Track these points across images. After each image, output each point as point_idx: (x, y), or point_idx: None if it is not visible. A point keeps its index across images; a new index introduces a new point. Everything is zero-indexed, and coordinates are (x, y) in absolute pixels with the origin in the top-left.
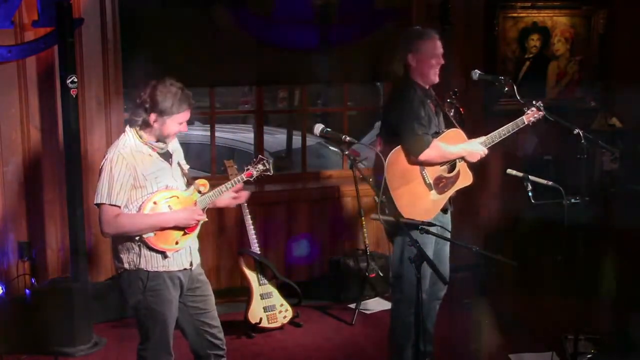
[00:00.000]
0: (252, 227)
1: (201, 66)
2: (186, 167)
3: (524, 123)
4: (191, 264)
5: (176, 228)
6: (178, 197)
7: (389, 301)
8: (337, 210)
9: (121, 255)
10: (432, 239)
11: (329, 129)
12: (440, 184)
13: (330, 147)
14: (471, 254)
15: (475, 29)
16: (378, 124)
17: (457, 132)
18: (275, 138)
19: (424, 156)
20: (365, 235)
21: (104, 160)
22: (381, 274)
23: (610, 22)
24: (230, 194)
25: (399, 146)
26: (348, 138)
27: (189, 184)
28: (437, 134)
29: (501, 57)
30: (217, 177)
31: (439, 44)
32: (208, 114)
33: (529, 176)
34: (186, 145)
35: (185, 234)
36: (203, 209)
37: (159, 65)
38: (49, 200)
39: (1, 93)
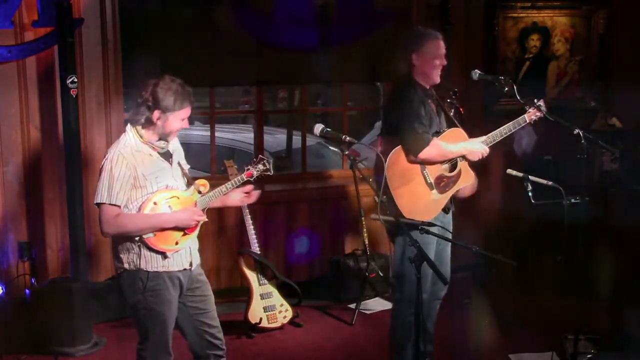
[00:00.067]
0: (252, 227)
1: (201, 66)
2: (187, 167)
3: (526, 122)
4: (191, 264)
5: (176, 228)
6: (178, 198)
7: (389, 301)
8: (337, 210)
9: (121, 256)
10: (433, 239)
11: (329, 129)
12: (441, 184)
13: (330, 147)
14: (471, 254)
15: (475, 29)
16: (378, 124)
17: (458, 131)
18: (275, 138)
19: (423, 154)
20: (365, 235)
21: (104, 159)
22: (381, 274)
23: (610, 22)
24: (241, 194)
25: (400, 146)
26: (348, 138)
27: (189, 184)
28: (438, 133)
29: (501, 57)
30: (217, 177)
31: (442, 44)
32: (208, 113)
33: (529, 176)
34: (186, 145)
35: (185, 234)
36: (203, 210)
37: (158, 66)
38: (49, 200)
39: (1, 93)
